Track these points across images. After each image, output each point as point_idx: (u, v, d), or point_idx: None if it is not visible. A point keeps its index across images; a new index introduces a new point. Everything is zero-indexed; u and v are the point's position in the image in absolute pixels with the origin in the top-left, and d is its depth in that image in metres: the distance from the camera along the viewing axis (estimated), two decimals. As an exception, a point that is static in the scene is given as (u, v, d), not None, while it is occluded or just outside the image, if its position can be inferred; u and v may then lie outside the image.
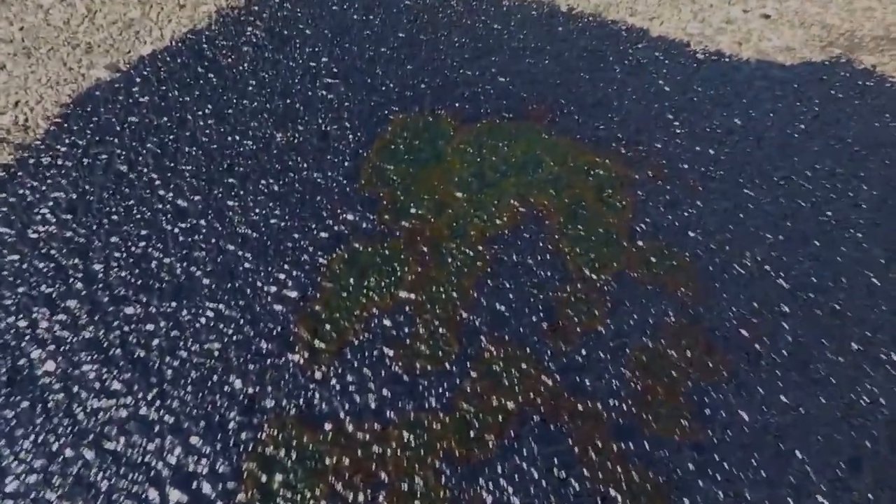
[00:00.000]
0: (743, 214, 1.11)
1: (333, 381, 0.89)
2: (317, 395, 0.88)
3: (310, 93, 1.34)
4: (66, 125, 1.28)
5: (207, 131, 1.26)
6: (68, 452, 0.81)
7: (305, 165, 1.19)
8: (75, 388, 0.88)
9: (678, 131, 1.26)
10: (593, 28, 1.53)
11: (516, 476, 0.81)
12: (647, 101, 1.33)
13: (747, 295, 1.00)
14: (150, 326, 0.95)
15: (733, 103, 1.33)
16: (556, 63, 1.42)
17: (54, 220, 1.10)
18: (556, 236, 1.07)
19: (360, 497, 0.78)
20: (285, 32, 1.50)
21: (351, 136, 1.24)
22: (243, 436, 0.84)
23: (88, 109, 1.31)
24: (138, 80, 1.38)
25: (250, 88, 1.36)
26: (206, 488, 0.79)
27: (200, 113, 1.30)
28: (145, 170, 1.18)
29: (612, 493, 0.79)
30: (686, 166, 1.19)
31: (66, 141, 1.24)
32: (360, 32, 1.49)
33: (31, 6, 1.59)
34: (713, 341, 0.94)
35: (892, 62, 1.47)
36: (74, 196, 1.13)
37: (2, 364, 0.90)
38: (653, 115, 1.29)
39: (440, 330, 0.95)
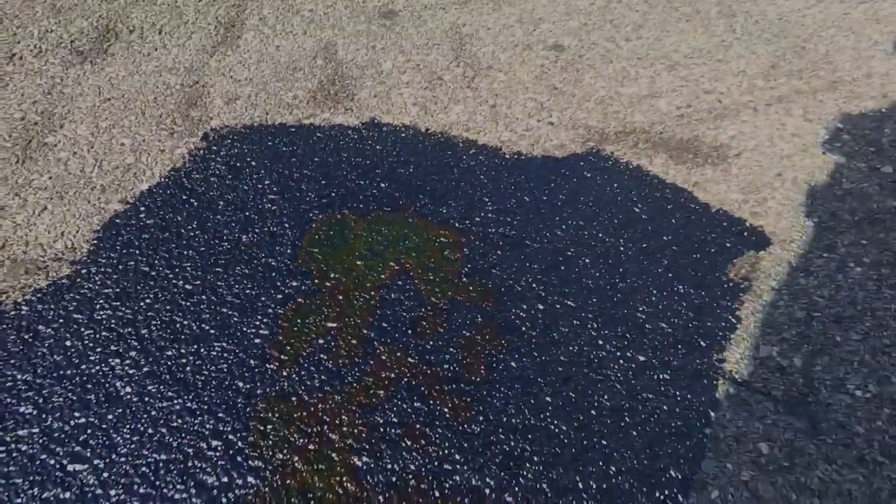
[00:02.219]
0: (522, 256, 1.94)
1: (294, 376, 1.63)
2: (284, 384, 1.61)
3: (259, 206, 2.10)
4: (100, 245, 1.97)
5: (196, 238, 1.98)
6: (153, 429, 1.50)
7: (263, 255, 1.93)
8: (146, 406, 1.57)
9: (489, 209, 2.09)
10: (441, 143, 2.37)
11: (394, 411, 1.56)
12: (473, 191, 2.16)
13: (521, 303, 1.81)
14: (182, 360, 1.65)
15: (525, 186, 2.19)
16: (417, 170, 2.24)
17: (108, 307, 1.79)
18: (416, 281, 1.86)
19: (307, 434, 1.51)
20: (238, 164, 2.25)
21: (289, 233, 2.00)
22: (243, 404, 1.55)
23: (113, 232, 2.01)
24: (142, 208, 2.09)
25: (220, 206, 2.10)
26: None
27: (189, 226, 2.02)
28: (161, 268, 1.89)
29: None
30: (492, 230, 2.02)
31: (103, 256, 1.94)
32: (288, 160, 2.27)
33: (53, 160, 2.28)
34: (499, 329, 1.74)
35: (624, 148, 2.38)
36: (118, 290, 1.83)
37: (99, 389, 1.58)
38: (475, 200, 2.13)
39: (352, 342, 1.71)
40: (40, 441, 1.50)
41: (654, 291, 1.86)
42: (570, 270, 1.90)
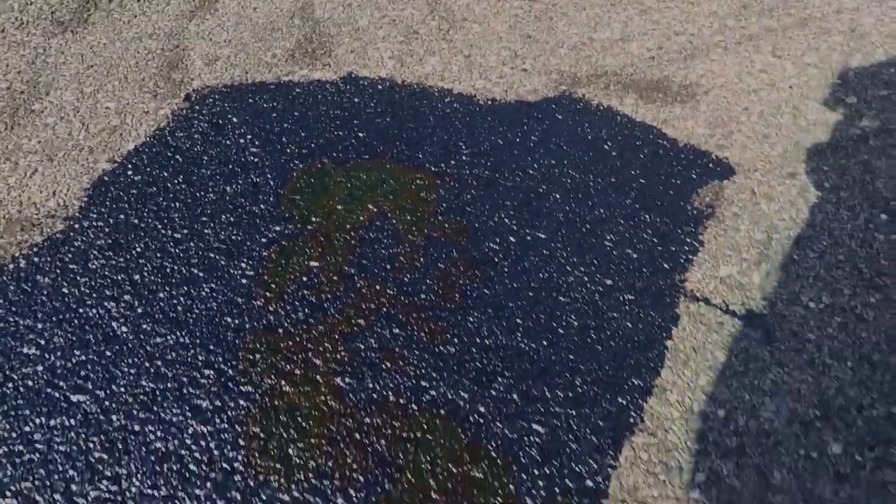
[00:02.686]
0: (496, 194, 2.02)
1: (280, 310, 1.73)
2: (271, 318, 1.71)
3: (242, 159, 2.17)
4: (91, 201, 2.06)
5: (182, 191, 2.06)
6: (149, 361, 1.61)
7: (247, 203, 2.02)
8: (139, 340, 1.67)
9: (464, 153, 2.17)
10: (418, 93, 2.43)
11: (374, 337, 1.66)
12: (448, 137, 2.23)
13: (494, 237, 1.90)
14: (174, 301, 1.75)
15: (498, 130, 2.26)
16: (394, 119, 2.31)
17: (101, 257, 1.88)
18: (395, 221, 1.95)
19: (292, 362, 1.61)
20: (220, 122, 2.32)
21: (272, 183, 2.08)
22: (233, 337, 1.66)
23: (103, 190, 2.09)
24: (129, 166, 2.17)
25: (204, 161, 2.18)
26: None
27: (175, 181, 2.10)
28: (149, 220, 1.98)
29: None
30: (467, 171, 2.10)
31: (94, 211, 2.02)
32: (269, 115, 2.33)
33: (41, 125, 2.35)
34: (474, 261, 1.83)
35: (596, 90, 2.44)
36: (110, 241, 1.92)
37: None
38: (451, 145, 2.20)
39: (334, 278, 1.80)
40: (45, 377, 1.60)
41: (622, 222, 1.94)
42: (542, 206, 1.98)
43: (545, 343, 1.65)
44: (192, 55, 2.67)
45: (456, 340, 1.66)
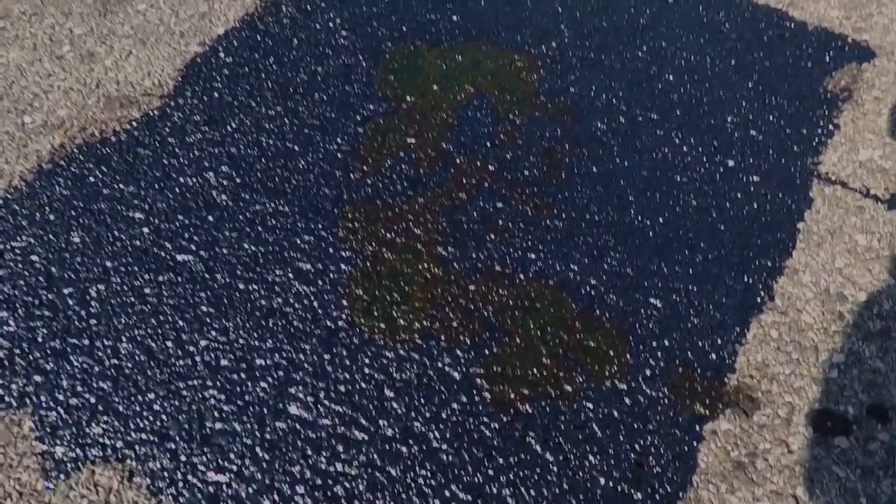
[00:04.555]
0: (602, 76, 1.87)
1: (378, 183, 1.67)
2: (369, 190, 1.66)
3: (332, 42, 2.10)
4: (184, 81, 2.04)
5: (274, 71, 2.02)
6: (250, 225, 1.60)
7: (339, 83, 1.95)
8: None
9: (566, 34, 2.02)
10: (512, -23, 2.27)
11: (477, 210, 1.59)
12: (547, 20, 2.08)
13: (602, 117, 1.76)
14: (270, 173, 1.72)
15: (602, 12, 2.08)
16: (488, 2, 2.17)
17: (198, 131, 1.87)
18: (493, 101, 1.84)
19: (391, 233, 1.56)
20: (308, 7, 2.24)
21: (364, 64, 2.00)
22: (331, 206, 1.62)
23: (195, 70, 2.07)
24: (220, 49, 2.14)
25: (294, 44, 2.11)
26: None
27: (266, 62, 2.06)
28: (242, 98, 1.95)
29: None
30: (570, 53, 1.95)
31: (188, 90, 2.01)
32: (358, 0, 2.24)
33: (132, 12, 2.34)
34: (580, 140, 1.71)
35: (711, -26, 2.20)
36: (206, 117, 1.90)
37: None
38: (551, 28, 2.05)
39: (432, 154, 1.73)
40: (151, 238, 1.62)
41: (744, 104, 1.77)
42: (653, 87, 1.83)
43: (661, 221, 1.53)
44: (276, -55, 2.58)
45: (563, 216, 1.56)
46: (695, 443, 1.17)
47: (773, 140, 1.67)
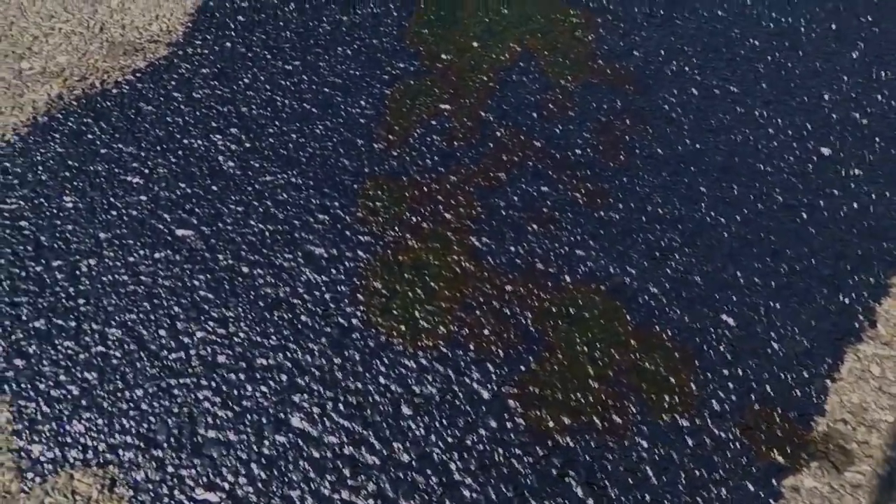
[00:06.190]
0: (673, 38, 1.59)
1: (404, 156, 1.45)
2: (394, 163, 1.44)
3: (361, -13, 1.84)
4: (195, 27, 1.82)
5: (294, 20, 1.78)
6: (258, 199, 1.40)
7: (366, 35, 1.71)
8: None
9: (632, -14, 1.72)
10: (572, -84, 1.95)
11: (518, 194, 1.36)
12: (611, -33, 1.78)
13: (671, 88, 1.49)
14: (284, 138, 1.51)
15: (677, -38, 1.77)
16: (542, -54, 1.87)
17: (206, 86, 1.66)
18: (542, 63, 1.58)
19: (421, 215, 1.35)
20: (336, -55, 1.97)
21: (395, 14, 1.75)
22: (350, 181, 1.41)
23: (207, 14, 1.85)
24: (236, -9, 1.90)
25: (317, -11, 1.86)
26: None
27: (285, 8, 1.82)
28: (257, 49, 1.72)
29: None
30: (634, 9, 1.66)
31: (198, 38, 1.79)
32: (391, -61, 1.96)
33: (143, -54, 2.11)
34: (643, 114, 1.45)
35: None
36: (216, 70, 1.69)
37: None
38: (614, -23, 1.75)
39: (468, 123, 1.49)
40: (149, 207, 1.44)
41: (845, 78, 1.47)
42: (735, 53, 1.54)
43: (738, 219, 1.28)
44: None
45: (620, 206, 1.33)
46: (771, 501, 0.97)
47: (881, 125, 1.38)
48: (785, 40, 1.54)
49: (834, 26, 1.56)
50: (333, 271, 1.29)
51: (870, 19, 1.57)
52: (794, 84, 1.45)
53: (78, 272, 1.35)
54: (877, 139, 1.35)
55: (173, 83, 1.67)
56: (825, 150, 1.35)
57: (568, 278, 1.24)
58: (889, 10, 1.57)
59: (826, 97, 1.43)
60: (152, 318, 1.27)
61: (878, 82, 1.44)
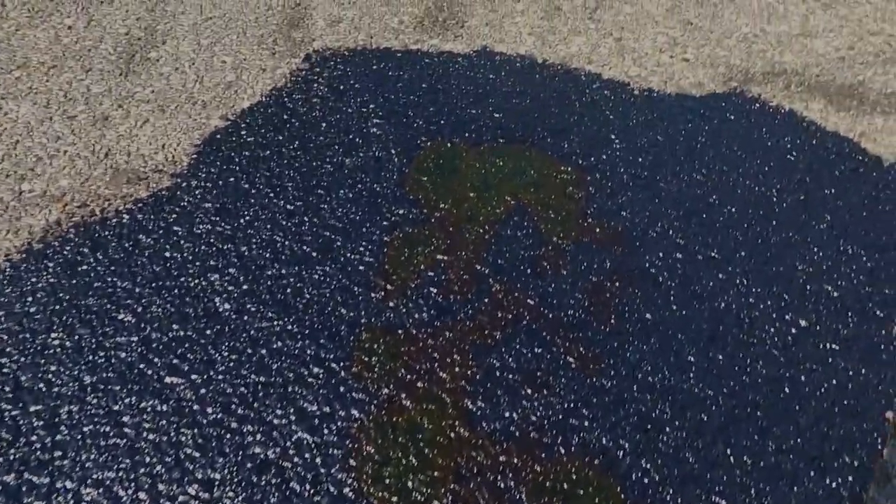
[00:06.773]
0: (657, 200, 1.70)
1: (401, 307, 1.48)
2: (391, 314, 1.46)
3: (364, 130, 1.94)
4: (200, 159, 1.88)
5: (298, 158, 1.85)
6: (252, 348, 1.39)
7: (367, 179, 1.78)
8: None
9: (617, 146, 1.85)
10: (561, 74, 2.13)
11: (512, 354, 1.39)
12: (597, 127, 1.92)
13: (657, 251, 1.58)
14: (283, 282, 1.53)
15: (657, 125, 1.93)
16: (534, 102, 2.02)
17: (207, 221, 1.69)
18: (535, 218, 1.66)
19: (417, 372, 1.36)
20: (342, 87, 2.10)
21: (396, 159, 1.84)
22: (346, 332, 1.42)
23: (213, 147, 1.91)
24: (243, 125, 1.98)
25: (322, 127, 1.96)
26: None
27: (290, 146, 1.90)
28: (260, 186, 1.78)
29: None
30: (621, 170, 1.78)
31: (203, 170, 1.84)
32: (394, 85, 2.09)
33: (155, 74, 2.21)
34: (632, 276, 1.52)
35: (774, 90, 2.06)
36: (218, 205, 1.73)
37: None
38: (601, 136, 1.89)
39: (465, 277, 1.54)
40: (139, 350, 1.42)
41: (816, 250, 1.58)
42: (714, 219, 1.65)
43: (725, 392, 1.32)
44: (314, 14, 2.47)
45: (612, 373, 1.36)
46: None
47: (852, 299, 1.47)
48: (760, 209, 1.65)
49: (802, 197, 1.68)
50: (326, 431, 1.27)
51: (834, 192, 1.70)
52: (770, 253, 1.55)
53: (57, 419, 1.31)
54: (849, 313, 1.43)
55: (174, 216, 1.70)
56: (803, 322, 1.42)
57: (562, 449, 1.24)
58: (851, 182, 1.71)
59: (799, 267, 1.53)
60: (132, 476, 1.22)
61: (845, 255, 1.55)
